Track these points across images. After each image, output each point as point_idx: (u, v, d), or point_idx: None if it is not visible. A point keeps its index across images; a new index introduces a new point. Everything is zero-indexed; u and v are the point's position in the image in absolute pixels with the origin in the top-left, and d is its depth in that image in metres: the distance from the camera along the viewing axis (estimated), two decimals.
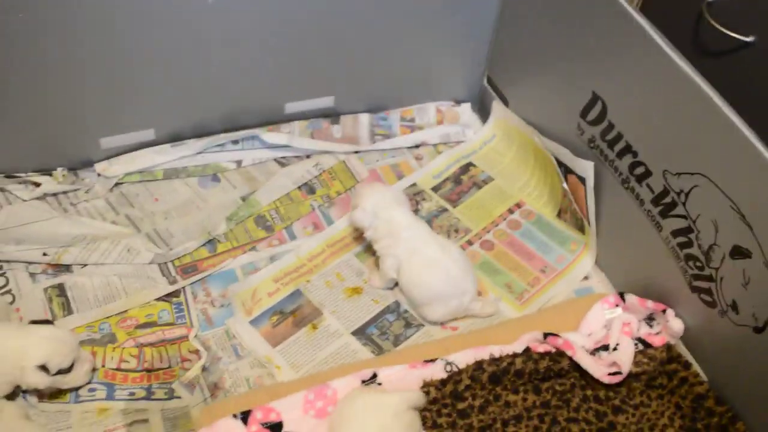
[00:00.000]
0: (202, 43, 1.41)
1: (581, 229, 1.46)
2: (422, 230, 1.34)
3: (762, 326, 1.09)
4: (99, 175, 1.51)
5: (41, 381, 1.14)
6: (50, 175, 1.49)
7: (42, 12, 1.25)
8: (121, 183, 1.52)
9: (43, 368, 1.13)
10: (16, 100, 1.36)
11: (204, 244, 1.43)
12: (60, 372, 1.16)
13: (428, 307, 1.32)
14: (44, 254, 1.36)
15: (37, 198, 1.46)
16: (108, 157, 1.52)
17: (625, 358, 1.22)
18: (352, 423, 1.08)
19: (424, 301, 1.32)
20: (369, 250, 1.43)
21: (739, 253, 1.10)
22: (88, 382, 1.22)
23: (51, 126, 1.43)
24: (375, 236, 1.35)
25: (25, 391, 1.19)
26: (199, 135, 1.56)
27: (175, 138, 1.55)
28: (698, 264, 1.19)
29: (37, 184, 1.47)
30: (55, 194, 1.48)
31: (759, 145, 1.03)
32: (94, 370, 1.24)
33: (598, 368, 1.21)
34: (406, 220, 1.34)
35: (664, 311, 1.27)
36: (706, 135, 1.11)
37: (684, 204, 1.19)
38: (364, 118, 1.66)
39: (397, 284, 1.37)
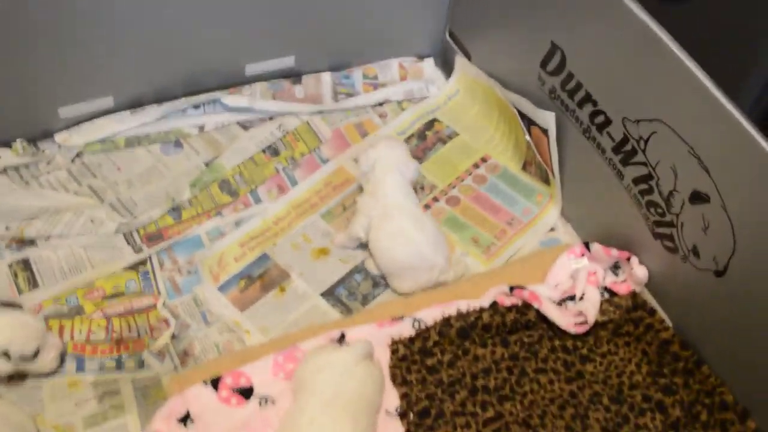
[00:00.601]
0: (158, 3, 1.38)
1: (546, 181, 1.46)
2: (404, 200, 1.33)
3: (722, 270, 1.10)
4: (59, 145, 1.49)
5: (2, 368, 1.13)
6: (9, 147, 1.46)
7: None
8: (83, 153, 1.50)
9: (4, 354, 1.12)
10: None
11: (168, 212, 1.42)
12: (24, 359, 1.14)
13: (396, 278, 1.31)
14: (6, 228, 1.34)
15: None
16: (68, 127, 1.50)
17: (591, 308, 1.23)
18: (307, 384, 1.09)
19: (391, 271, 1.31)
20: (335, 209, 1.43)
21: (698, 198, 1.11)
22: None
23: (7, 97, 1.40)
24: (364, 187, 1.36)
25: None
26: (160, 101, 1.54)
27: (135, 104, 1.53)
28: (659, 210, 1.20)
29: None
30: (15, 167, 1.46)
31: (714, 90, 1.04)
32: (62, 336, 1.23)
33: (564, 319, 1.22)
34: (394, 186, 1.33)
35: (628, 259, 1.28)
36: (663, 81, 1.12)
37: (644, 151, 1.19)
38: (327, 77, 1.64)
39: (362, 245, 1.37)
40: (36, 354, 1.15)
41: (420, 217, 1.33)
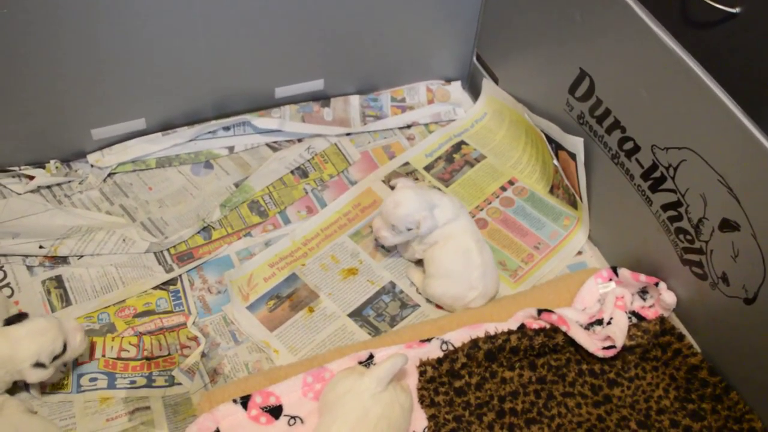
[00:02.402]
0: (190, 29, 1.41)
1: (574, 204, 1.47)
2: (465, 217, 1.34)
3: (752, 297, 1.10)
4: (92, 166, 1.52)
5: (43, 375, 1.15)
6: (43, 167, 1.49)
7: (27, 4, 1.25)
8: (115, 173, 1.53)
9: (39, 364, 1.14)
10: (5, 94, 1.36)
11: (199, 232, 1.44)
12: (56, 357, 1.16)
13: (434, 279, 1.32)
14: (41, 247, 1.37)
15: (31, 191, 1.47)
16: (100, 148, 1.53)
17: (619, 332, 1.23)
18: (333, 407, 1.09)
19: (433, 272, 1.32)
20: (363, 230, 1.45)
21: (727, 225, 1.11)
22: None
23: (42, 119, 1.43)
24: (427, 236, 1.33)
25: (27, 384, 1.21)
26: (191, 122, 1.57)
27: (167, 126, 1.55)
28: (688, 237, 1.20)
29: (31, 177, 1.47)
30: (49, 186, 1.49)
31: (744, 119, 1.04)
32: (93, 353, 1.26)
33: (592, 342, 1.22)
34: (450, 203, 1.33)
35: (656, 284, 1.28)
36: (693, 109, 1.12)
37: (673, 178, 1.19)
38: (355, 100, 1.66)
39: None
40: (65, 347, 1.17)
41: (482, 243, 1.33)
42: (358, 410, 1.07)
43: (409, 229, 1.30)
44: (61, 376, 1.23)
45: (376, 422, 1.07)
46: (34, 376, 1.14)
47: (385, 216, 1.31)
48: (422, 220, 1.28)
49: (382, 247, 1.42)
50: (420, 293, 1.37)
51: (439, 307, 1.35)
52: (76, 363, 1.24)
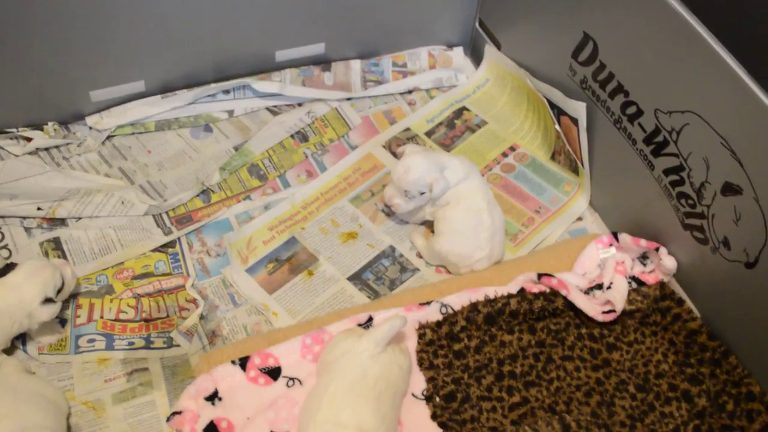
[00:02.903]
0: None
1: (575, 170, 1.46)
2: (477, 178, 1.33)
3: (753, 261, 1.10)
4: (91, 128, 1.51)
5: (54, 310, 1.18)
6: (41, 129, 1.48)
7: None
8: (113, 136, 1.52)
9: (47, 300, 1.16)
10: (3, 55, 1.35)
11: (198, 195, 1.43)
12: (58, 290, 1.19)
13: (442, 236, 1.31)
14: (39, 209, 1.36)
15: (30, 153, 1.46)
16: (99, 110, 1.52)
17: (618, 297, 1.23)
18: (332, 368, 1.09)
19: (442, 230, 1.31)
20: (364, 194, 1.44)
21: (729, 189, 1.11)
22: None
23: (40, 80, 1.42)
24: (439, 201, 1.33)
25: (24, 344, 1.21)
26: (190, 85, 1.56)
27: (166, 89, 1.54)
28: (690, 202, 1.19)
29: (29, 139, 1.46)
30: (47, 149, 1.48)
31: (749, 81, 1.03)
32: (92, 314, 1.26)
33: (592, 307, 1.22)
34: (460, 164, 1.33)
35: (657, 249, 1.27)
36: (697, 72, 1.11)
37: (675, 142, 1.19)
38: (356, 65, 1.65)
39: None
40: (62, 280, 1.20)
41: (494, 204, 1.33)
42: (356, 371, 1.07)
43: (422, 193, 1.30)
44: (59, 336, 1.23)
45: (374, 382, 1.07)
46: (46, 313, 1.16)
47: (397, 183, 1.30)
48: (434, 182, 1.28)
49: (387, 215, 1.42)
50: (422, 257, 1.36)
51: (439, 270, 1.35)
52: (74, 324, 1.24)
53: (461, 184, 1.30)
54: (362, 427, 1.04)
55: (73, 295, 1.27)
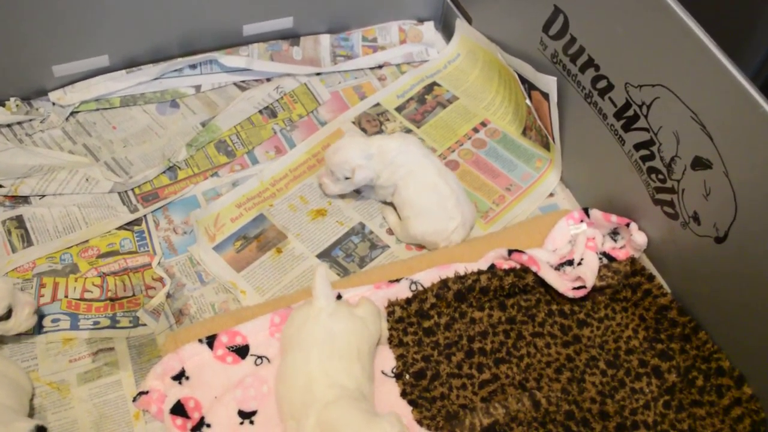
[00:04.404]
0: None
1: (546, 146, 1.45)
2: (416, 153, 1.32)
3: (723, 236, 1.10)
4: (54, 104, 1.48)
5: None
6: (3, 105, 1.45)
7: None
8: (78, 112, 1.49)
9: None
10: None
11: (164, 171, 1.41)
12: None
13: (414, 218, 1.30)
14: (1, 186, 1.33)
15: None
16: (62, 86, 1.48)
17: (589, 273, 1.23)
18: (297, 339, 1.08)
19: (411, 213, 1.30)
20: None
21: (699, 163, 1.10)
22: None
23: (0, 54, 1.38)
24: (380, 181, 1.32)
25: None
26: (156, 60, 1.52)
27: (131, 64, 1.51)
28: (660, 176, 1.19)
29: None
30: (9, 125, 1.44)
31: (719, 54, 1.02)
32: (56, 294, 1.23)
33: (562, 283, 1.22)
34: (394, 143, 1.31)
35: (627, 225, 1.27)
36: (667, 45, 1.10)
37: (646, 116, 1.18)
38: (325, 39, 1.62)
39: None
40: (9, 314, 1.12)
41: (447, 173, 1.32)
42: (323, 333, 1.07)
43: (347, 178, 1.30)
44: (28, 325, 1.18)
45: (347, 341, 1.07)
46: None
47: (327, 162, 1.32)
48: (357, 169, 1.29)
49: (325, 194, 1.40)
50: (393, 234, 1.35)
51: (410, 247, 1.34)
52: (38, 304, 1.21)
53: (401, 167, 1.29)
54: (360, 386, 1.04)
55: (38, 275, 1.25)
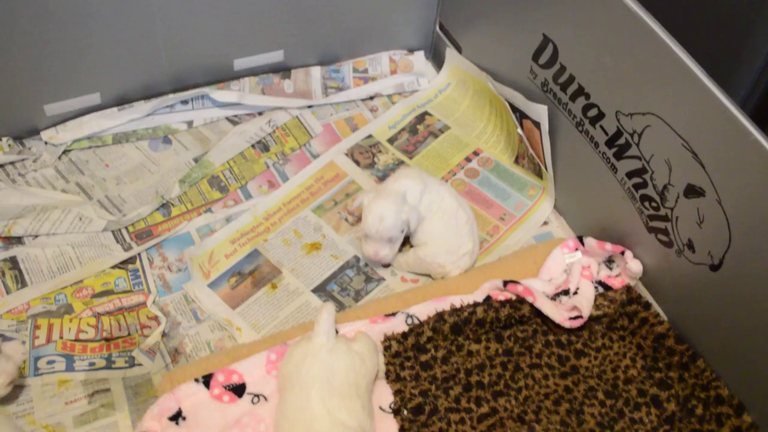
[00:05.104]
0: None
1: (539, 174, 1.45)
2: (432, 182, 1.33)
3: (718, 263, 1.10)
4: (46, 143, 1.48)
5: None
6: None
7: None
8: (70, 150, 1.49)
9: None
10: None
11: (158, 209, 1.41)
12: None
13: (426, 246, 1.30)
14: None
15: None
16: (54, 124, 1.48)
17: (585, 302, 1.22)
18: (296, 377, 1.07)
19: (429, 240, 1.30)
20: (327, 204, 1.42)
21: (692, 191, 1.10)
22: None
23: None
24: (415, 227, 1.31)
25: None
26: (147, 97, 1.53)
27: (123, 101, 1.51)
28: (654, 204, 1.19)
29: None
30: (1, 165, 1.44)
31: (708, 82, 1.03)
32: (50, 335, 1.22)
33: (558, 313, 1.21)
34: (409, 181, 1.31)
35: (622, 253, 1.27)
36: (657, 74, 1.11)
37: (637, 145, 1.18)
38: (316, 72, 1.63)
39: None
40: None
41: (461, 199, 1.34)
42: (323, 370, 1.06)
43: (402, 231, 1.29)
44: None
45: (345, 377, 1.06)
46: None
47: (377, 235, 1.27)
48: (410, 217, 1.27)
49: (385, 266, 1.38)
50: (393, 265, 1.35)
51: (405, 279, 1.33)
52: (33, 346, 1.21)
53: (424, 198, 1.29)
54: (361, 423, 1.03)
55: (32, 316, 1.24)
